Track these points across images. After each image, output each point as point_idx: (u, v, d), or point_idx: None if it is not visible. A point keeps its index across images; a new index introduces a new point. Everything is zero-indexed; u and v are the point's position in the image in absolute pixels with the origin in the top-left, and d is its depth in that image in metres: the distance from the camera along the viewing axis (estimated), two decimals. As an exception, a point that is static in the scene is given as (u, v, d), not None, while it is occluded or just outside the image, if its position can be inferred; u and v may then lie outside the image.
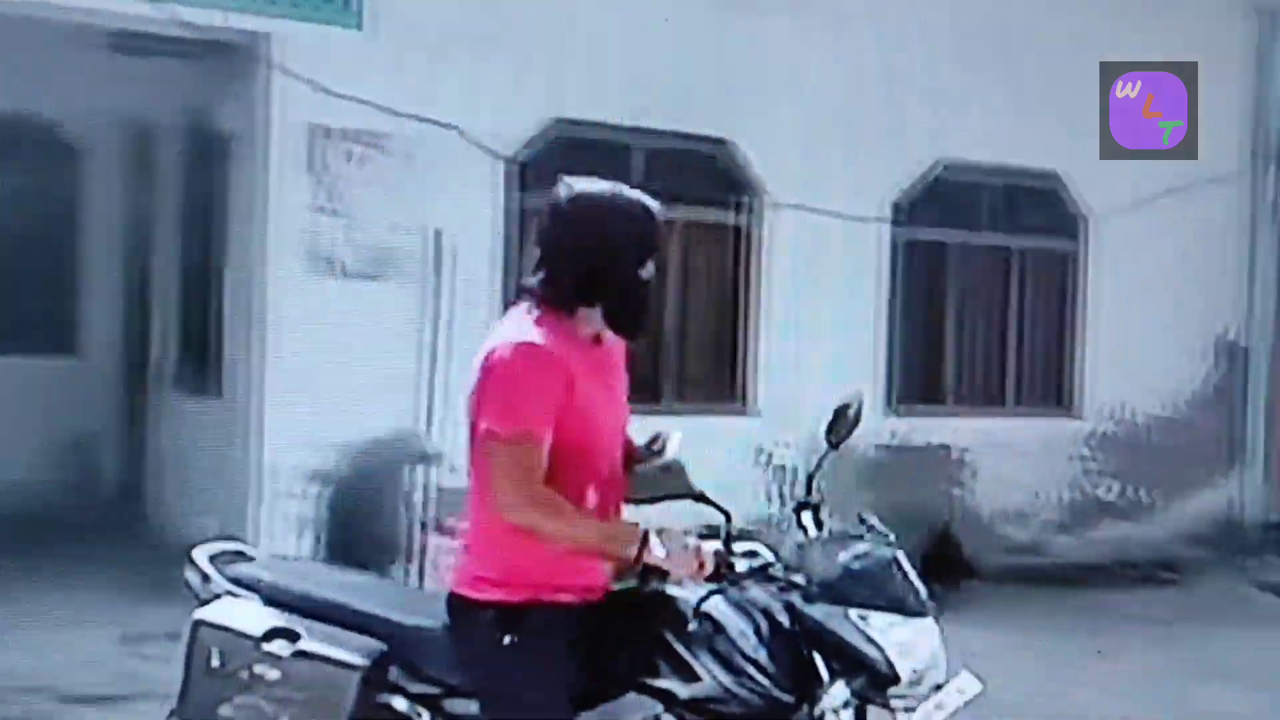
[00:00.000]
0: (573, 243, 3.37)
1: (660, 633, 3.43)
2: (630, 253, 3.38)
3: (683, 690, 3.39)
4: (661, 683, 3.41)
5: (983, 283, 10.68)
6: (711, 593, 3.43)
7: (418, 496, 8.30)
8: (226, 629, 3.52)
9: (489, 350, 3.31)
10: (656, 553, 3.29)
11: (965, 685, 3.56)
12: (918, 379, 10.37)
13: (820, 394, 9.14)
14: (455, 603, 3.41)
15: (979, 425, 10.32)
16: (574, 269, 3.35)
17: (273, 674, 3.46)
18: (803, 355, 9.42)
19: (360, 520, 8.21)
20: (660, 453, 3.60)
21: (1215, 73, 10.26)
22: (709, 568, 3.35)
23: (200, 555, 3.79)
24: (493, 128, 8.51)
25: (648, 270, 3.43)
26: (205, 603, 3.64)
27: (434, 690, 3.47)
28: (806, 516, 3.72)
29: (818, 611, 3.48)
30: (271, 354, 8.07)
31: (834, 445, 3.85)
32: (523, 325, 3.34)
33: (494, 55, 8.47)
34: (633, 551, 3.30)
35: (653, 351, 9.09)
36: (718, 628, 3.42)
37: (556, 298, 3.36)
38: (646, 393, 9.17)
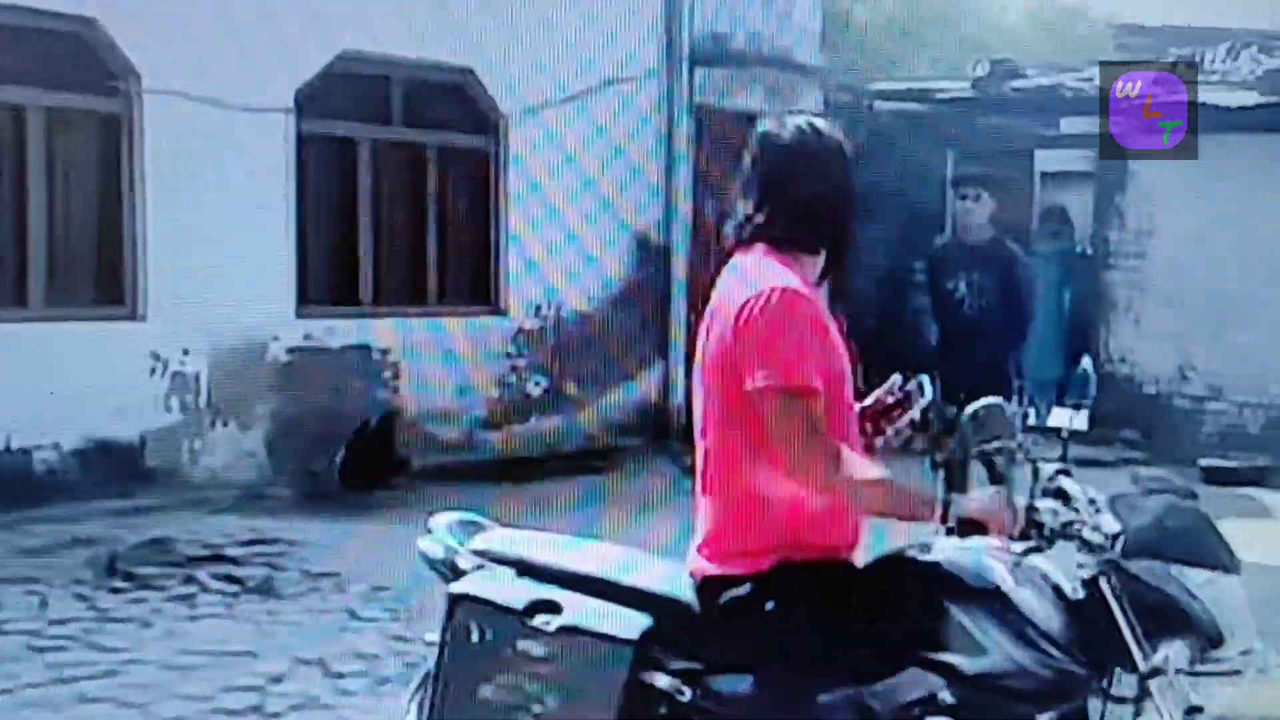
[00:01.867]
0: (817, 185, 3.29)
1: (941, 602, 3.24)
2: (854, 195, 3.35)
3: (968, 665, 3.18)
4: (944, 656, 3.20)
5: (398, 180, 10.78)
6: (1028, 550, 3.27)
7: None
8: (488, 603, 3.36)
9: (743, 301, 3.15)
10: (970, 507, 3.18)
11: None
12: (331, 279, 10.36)
13: (224, 295, 9.14)
14: (707, 577, 3.27)
15: (400, 325, 10.43)
16: (817, 211, 3.28)
17: (538, 650, 3.30)
18: (205, 255, 9.17)
19: None
20: (910, 399, 3.55)
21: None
22: (1021, 523, 3.23)
23: (439, 525, 3.64)
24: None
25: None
26: (454, 576, 3.47)
27: (695, 666, 3.26)
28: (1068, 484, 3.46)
29: (1140, 568, 3.28)
30: None
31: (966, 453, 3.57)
32: (773, 271, 3.20)
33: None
34: (933, 510, 3.18)
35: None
36: (1002, 595, 3.25)
37: (798, 241, 3.28)
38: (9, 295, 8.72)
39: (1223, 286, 12.06)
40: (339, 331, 10.11)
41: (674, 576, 3.40)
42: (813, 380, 3.15)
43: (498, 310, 11.20)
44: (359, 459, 9.84)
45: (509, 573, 3.48)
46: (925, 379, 3.67)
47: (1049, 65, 14.88)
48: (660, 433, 11.76)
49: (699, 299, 12.05)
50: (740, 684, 3.25)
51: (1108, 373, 12.29)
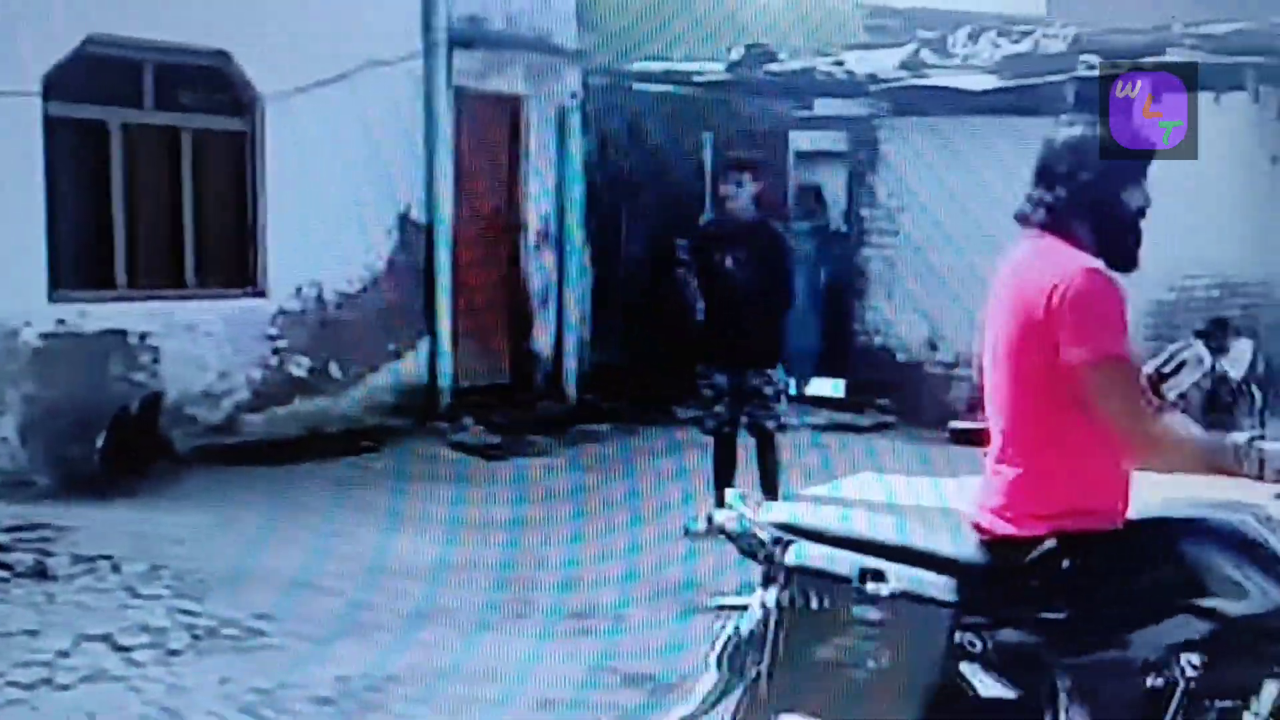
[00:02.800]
0: (1111, 187, 3.86)
1: (1203, 552, 3.61)
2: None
3: (1232, 608, 3.57)
4: (1209, 602, 3.59)
5: (152, 163, 10.80)
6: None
7: None
8: (825, 574, 3.69)
9: (1055, 281, 3.56)
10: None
11: None
12: (85, 264, 10.35)
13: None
14: (1007, 537, 3.67)
15: (157, 308, 10.48)
16: (1102, 205, 3.79)
17: (873, 615, 3.63)
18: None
19: None
20: (1184, 368, 3.90)
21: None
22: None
23: (733, 500, 3.95)
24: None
25: None
26: (752, 547, 3.86)
27: (983, 620, 3.64)
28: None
29: None
30: None
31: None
32: (1072, 254, 3.68)
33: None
34: (1241, 463, 3.55)
35: None
36: (1259, 541, 3.61)
37: (1086, 234, 3.77)
38: None
39: (968, 261, 12.86)
40: (94, 316, 10.11)
41: (954, 538, 3.84)
42: (1129, 349, 3.63)
43: (257, 292, 11.30)
44: (121, 444, 9.88)
45: (817, 544, 3.86)
46: (1201, 347, 4.02)
47: (802, 49, 15.59)
48: (427, 413, 12.00)
49: (464, 278, 12.44)
50: (1024, 637, 3.69)
51: (864, 344, 13.05)
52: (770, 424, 8.93)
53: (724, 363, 8.89)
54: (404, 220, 12.31)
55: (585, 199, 13.52)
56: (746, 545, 3.97)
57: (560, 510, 9.62)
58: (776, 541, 3.88)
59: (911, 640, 3.66)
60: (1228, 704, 3.66)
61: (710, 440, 9.07)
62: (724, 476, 8.91)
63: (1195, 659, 3.62)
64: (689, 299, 8.98)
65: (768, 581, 3.89)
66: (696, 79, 14.67)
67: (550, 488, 10.38)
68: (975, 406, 12.45)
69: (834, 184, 14.03)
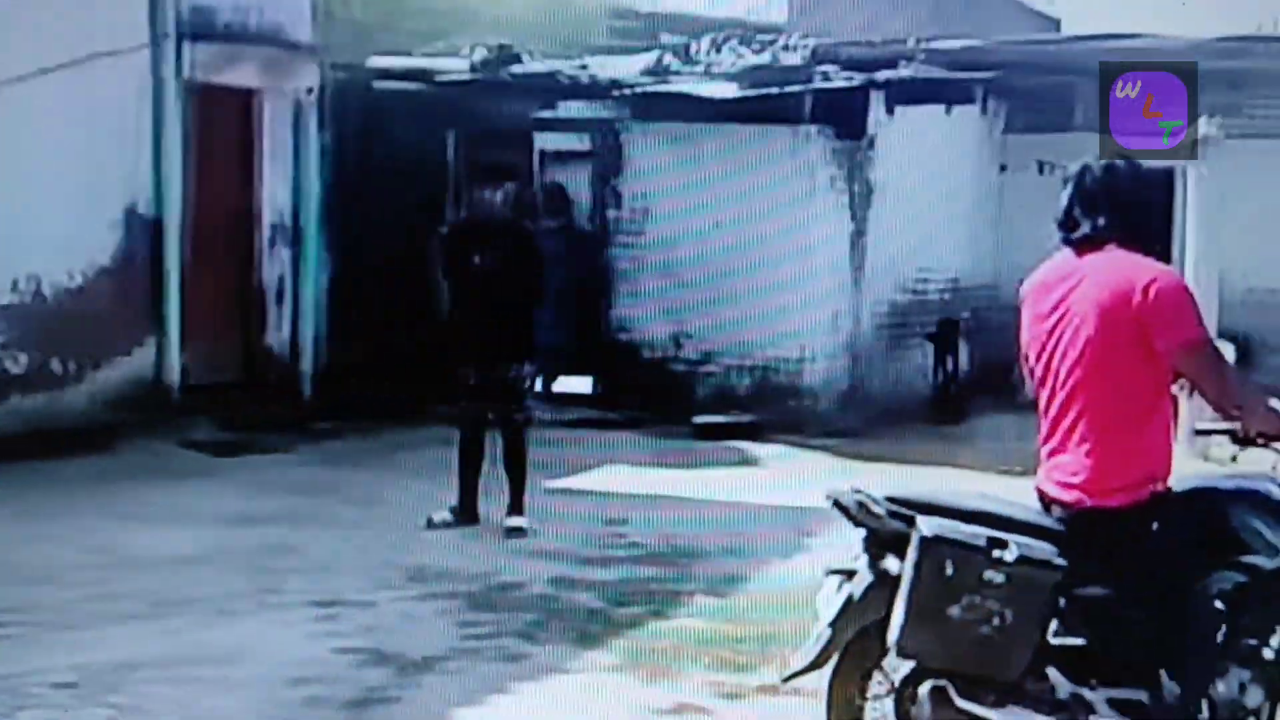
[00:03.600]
0: (1152, 206, 4.68)
1: (1246, 515, 4.52)
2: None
3: (1268, 564, 4.50)
4: (1250, 559, 4.51)
5: None
6: None
7: None
8: (958, 544, 4.36)
9: (1138, 283, 4.37)
10: None
11: None
12: None
13: None
14: (1090, 508, 4.40)
15: None
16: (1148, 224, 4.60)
17: (999, 578, 4.33)
18: None
19: None
20: None
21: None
22: None
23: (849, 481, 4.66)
24: None
25: None
26: (864, 520, 4.53)
27: (1060, 579, 4.40)
28: None
29: None
30: None
31: None
32: (1141, 259, 4.48)
33: None
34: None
35: None
36: None
37: (1139, 245, 4.52)
38: None
39: (710, 261, 13.26)
40: None
41: (1030, 508, 4.58)
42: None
43: (-28, 288, 10.90)
44: None
45: (937, 518, 4.49)
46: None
47: (546, 51, 15.78)
48: (157, 410, 11.72)
49: (195, 274, 12.21)
50: (1099, 590, 4.46)
51: (611, 341, 13.30)
52: (519, 418, 9.07)
53: (476, 359, 9.00)
54: (131, 214, 12.03)
55: (323, 195, 13.42)
56: (858, 519, 4.58)
57: (295, 504, 9.62)
58: (894, 516, 4.52)
59: (1028, 597, 4.38)
60: (1252, 642, 4.55)
61: (458, 434, 9.14)
62: (470, 470, 9.03)
63: (1224, 605, 4.52)
64: (439, 296, 9.09)
65: (882, 551, 4.55)
66: (440, 78, 14.72)
67: (286, 482, 10.35)
68: (721, 401, 12.90)
69: (579, 185, 14.22)
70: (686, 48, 15.80)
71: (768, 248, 12.99)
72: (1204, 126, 12.23)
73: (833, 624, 4.58)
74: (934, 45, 15.64)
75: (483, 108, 14.38)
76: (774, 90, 13.27)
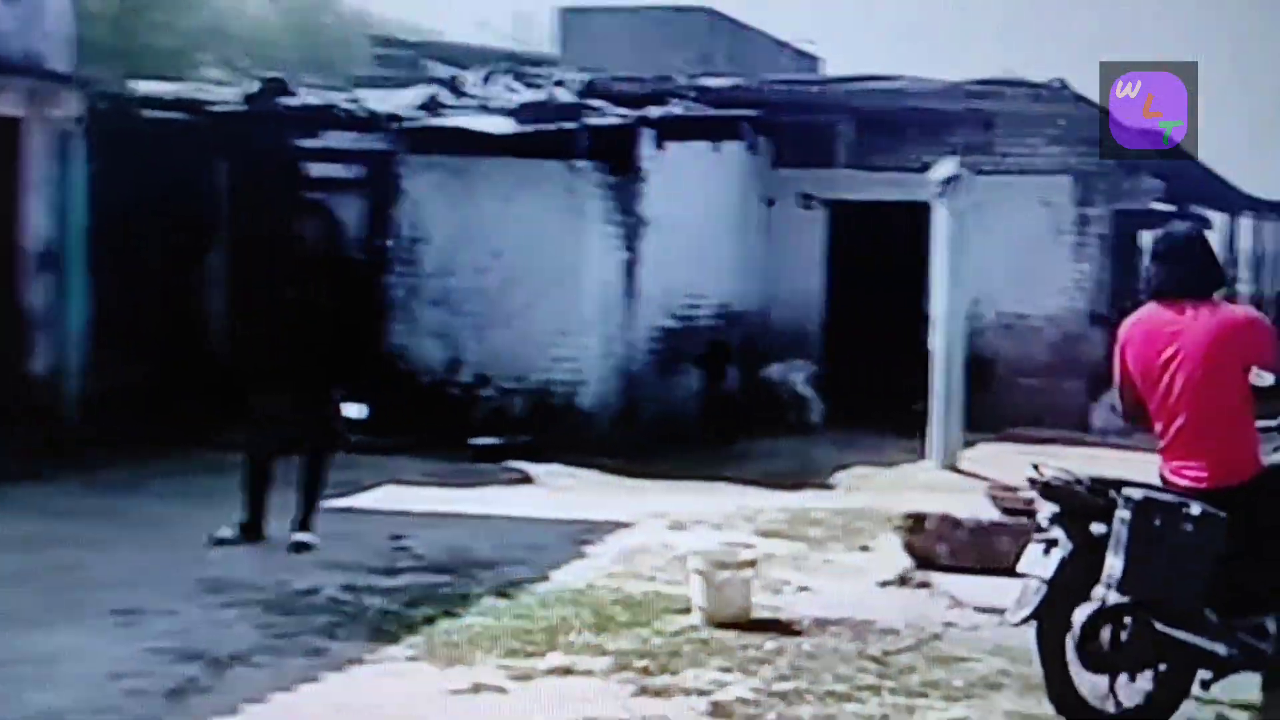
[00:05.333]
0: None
1: None
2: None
3: None
4: None
5: None
6: None
7: None
8: (1163, 503, 5.94)
9: (1248, 320, 6.28)
10: None
11: None
12: None
13: None
14: (1212, 487, 6.02)
15: None
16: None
17: (1189, 527, 5.88)
18: None
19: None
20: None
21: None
22: None
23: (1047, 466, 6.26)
24: None
25: None
26: (1075, 498, 6.10)
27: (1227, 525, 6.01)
28: None
29: None
30: None
31: None
32: (1234, 307, 6.49)
33: None
34: None
35: None
36: None
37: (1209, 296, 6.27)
38: None
39: (486, 289, 14.14)
40: None
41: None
42: None
43: None
44: None
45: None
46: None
47: (317, 85, 16.48)
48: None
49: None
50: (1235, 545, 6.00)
51: (388, 368, 14.02)
52: (327, 441, 9.77)
53: (288, 386, 9.61)
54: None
55: (89, 223, 13.76)
56: (1067, 494, 6.10)
57: (77, 528, 10.11)
58: (1093, 491, 6.08)
59: (1205, 542, 5.92)
60: None
61: (247, 456, 9.73)
62: (259, 490, 9.66)
63: None
64: (233, 324, 9.63)
65: (1082, 519, 6.07)
66: (210, 108, 15.28)
67: (61, 508, 10.79)
68: (498, 423, 13.70)
69: (354, 216, 14.89)
70: (459, 80, 16.67)
71: (543, 276, 13.99)
72: (952, 166, 13.55)
73: (1050, 580, 6.04)
74: (702, 83, 16.84)
75: (255, 138, 14.99)
76: (548, 126, 14.20)
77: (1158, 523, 5.89)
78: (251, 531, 9.63)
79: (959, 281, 13.42)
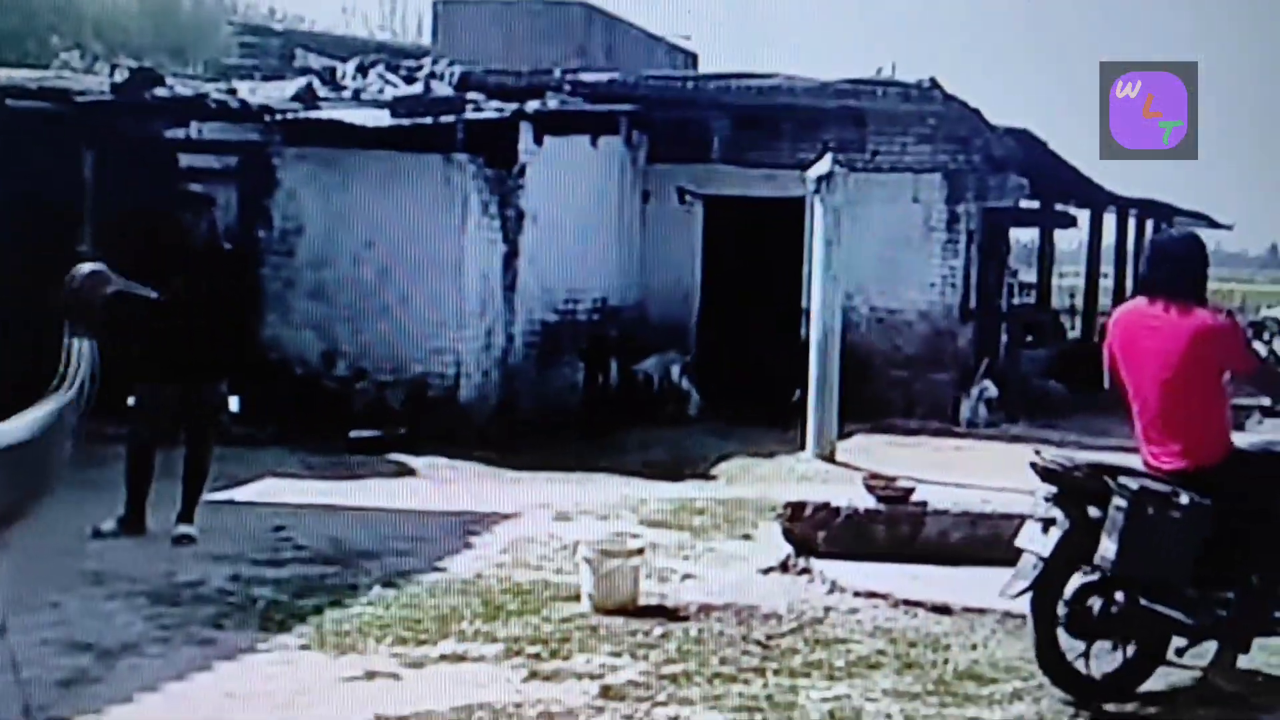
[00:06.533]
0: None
1: None
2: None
3: None
4: None
5: None
6: None
7: None
8: (1156, 492, 6.54)
9: (1213, 326, 6.70)
10: None
11: None
12: None
13: None
14: (1191, 467, 6.62)
15: None
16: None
17: (1177, 515, 6.51)
18: None
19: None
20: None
21: None
22: None
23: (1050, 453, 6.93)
24: None
25: None
26: (1073, 481, 6.69)
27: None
28: None
29: None
30: None
31: None
32: (1206, 311, 6.75)
33: None
34: None
35: None
36: None
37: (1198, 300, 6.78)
38: None
39: (363, 281, 14.24)
40: None
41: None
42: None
43: None
44: None
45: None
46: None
47: (187, 75, 16.43)
48: None
49: None
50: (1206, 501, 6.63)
51: (262, 360, 14.05)
52: (210, 432, 9.86)
53: (175, 377, 9.68)
54: None
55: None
56: (1066, 478, 6.69)
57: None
58: (1090, 476, 6.69)
59: (1191, 527, 6.56)
60: None
61: (128, 448, 9.78)
62: (140, 483, 9.71)
63: None
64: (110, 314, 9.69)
65: (1079, 502, 6.64)
66: (77, 99, 15.15)
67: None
68: (375, 416, 13.80)
69: (227, 207, 14.88)
70: (333, 72, 16.71)
71: (420, 269, 14.10)
72: (827, 163, 13.89)
73: (1047, 557, 6.60)
74: (579, 77, 17.04)
75: (124, 128, 14.90)
76: (426, 120, 14.32)
77: (1150, 510, 6.52)
78: (132, 524, 9.69)
79: (833, 276, 13.76)
